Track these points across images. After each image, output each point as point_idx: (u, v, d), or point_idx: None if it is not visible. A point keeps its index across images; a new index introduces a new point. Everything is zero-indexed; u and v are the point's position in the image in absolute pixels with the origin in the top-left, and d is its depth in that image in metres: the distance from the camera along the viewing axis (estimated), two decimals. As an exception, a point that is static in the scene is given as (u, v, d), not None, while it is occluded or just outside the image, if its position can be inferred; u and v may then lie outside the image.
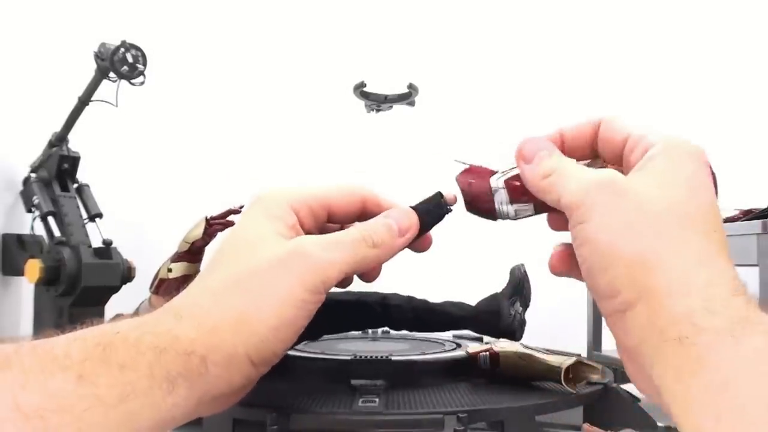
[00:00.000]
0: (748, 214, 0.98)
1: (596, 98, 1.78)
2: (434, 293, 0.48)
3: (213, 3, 1.75)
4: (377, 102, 1.01)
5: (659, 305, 0.24)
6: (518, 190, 0.30)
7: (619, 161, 0.29)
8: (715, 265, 0.24)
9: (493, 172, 0.31)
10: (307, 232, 0.30)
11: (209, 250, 0.50)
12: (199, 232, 0.36)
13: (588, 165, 0.30)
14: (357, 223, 0.31)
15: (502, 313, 0.46)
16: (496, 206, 0.31)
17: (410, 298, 0.45)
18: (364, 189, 0.32)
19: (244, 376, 0.27)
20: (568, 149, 0.31)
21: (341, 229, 0.32)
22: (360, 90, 1.01)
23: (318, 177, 1.71)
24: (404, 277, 0.50)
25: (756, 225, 0.90)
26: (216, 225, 0.44)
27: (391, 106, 1.03)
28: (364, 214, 0.32)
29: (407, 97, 1.01)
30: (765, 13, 1.57)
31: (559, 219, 0.31)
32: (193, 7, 1.71)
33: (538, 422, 0.37)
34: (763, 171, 1.46)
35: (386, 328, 0.56)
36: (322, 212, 0.31)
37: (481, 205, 0.31)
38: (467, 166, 0.32)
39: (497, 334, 0.45)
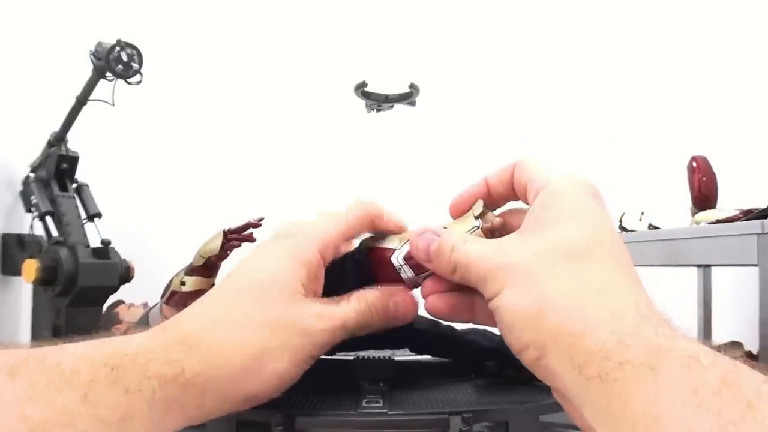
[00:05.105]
0: (748, 214, 0.98)
1: (596, 98, 1.78)
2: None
3: (211, 1, 1.75)
4: (378, 102, 1.01)
5: (569, 346, 0.24)
6: (418, 264, 0.32)
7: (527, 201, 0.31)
8: (617, 292, 0.25)
9: (391, 251, 0.33)
10: (326, 264, 0.33)
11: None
12: (215, 246, 0.35)
13: (480, 218, 0.32)
14: (360, 295, 0.33)
15: None
16: (404, 278, 0.33)
17: (435, 323, 0.44)
18: (374, 207, 0.34)
19: (234, 409, 0.29)
20: (493, 194, 0.33)
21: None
22: (361, 90, 1.01)
23: (318, 176, 1.71)
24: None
25: (756, 225, 0.90)
26: (234, 240, 0.42)
27: (392, 106, 1.03)
28: (373, 229, 0.35)
29: (408, 97, 1.01)
30: (765, 13, 1.57)
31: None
32: (191, 5, 1.70)
33: (541, 422, 0.37)
34: (763, 171, 1.46)
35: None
36: (343, 245, 0.34)
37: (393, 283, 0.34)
38: (372, 247, 0.34)
39: (523, 368, 0.44)
